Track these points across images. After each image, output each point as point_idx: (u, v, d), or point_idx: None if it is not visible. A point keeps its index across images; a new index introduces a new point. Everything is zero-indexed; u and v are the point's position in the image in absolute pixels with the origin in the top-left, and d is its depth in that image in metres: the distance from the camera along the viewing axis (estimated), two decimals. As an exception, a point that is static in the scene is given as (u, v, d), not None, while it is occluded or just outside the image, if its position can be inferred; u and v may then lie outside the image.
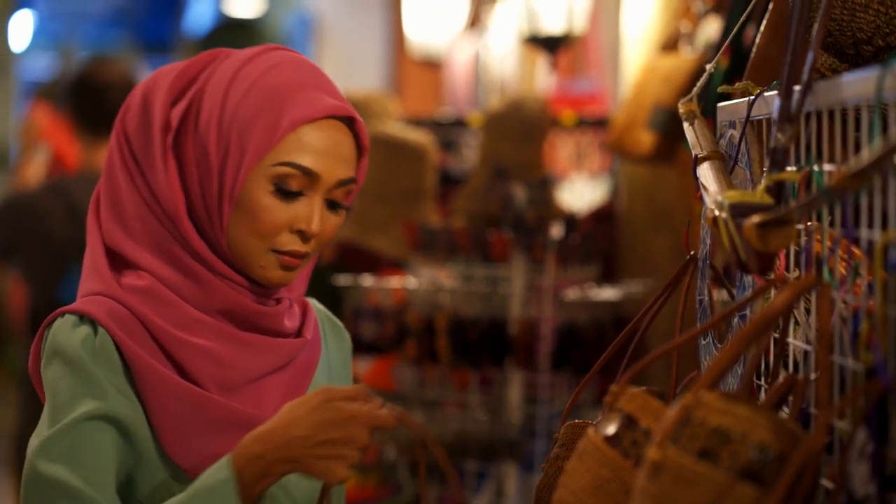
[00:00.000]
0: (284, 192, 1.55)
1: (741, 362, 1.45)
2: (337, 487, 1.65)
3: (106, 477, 1.49)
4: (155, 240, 1.58)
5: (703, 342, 1.63)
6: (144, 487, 1.54)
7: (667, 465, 1.16)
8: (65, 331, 1.54)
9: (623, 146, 3.45)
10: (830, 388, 1.25)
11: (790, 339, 1.41)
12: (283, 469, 1.44)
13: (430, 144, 4.00)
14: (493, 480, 3.60)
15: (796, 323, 1.40)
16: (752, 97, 1.49)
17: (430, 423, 3.54)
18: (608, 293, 3.63)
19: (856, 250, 1.28)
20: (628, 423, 1.31)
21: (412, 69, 8.52)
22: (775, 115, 1.33)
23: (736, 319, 1.52)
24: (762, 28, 1.94)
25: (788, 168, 1.34)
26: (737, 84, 1.55)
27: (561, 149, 4.76)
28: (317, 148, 1.56)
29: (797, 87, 1.32)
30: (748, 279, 1.51)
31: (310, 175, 1.55)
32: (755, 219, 1.21)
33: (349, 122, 1.60)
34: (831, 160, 1.31)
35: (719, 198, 1.31)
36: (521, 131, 3.94)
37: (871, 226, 1.22)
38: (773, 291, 1.41)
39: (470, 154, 4.70)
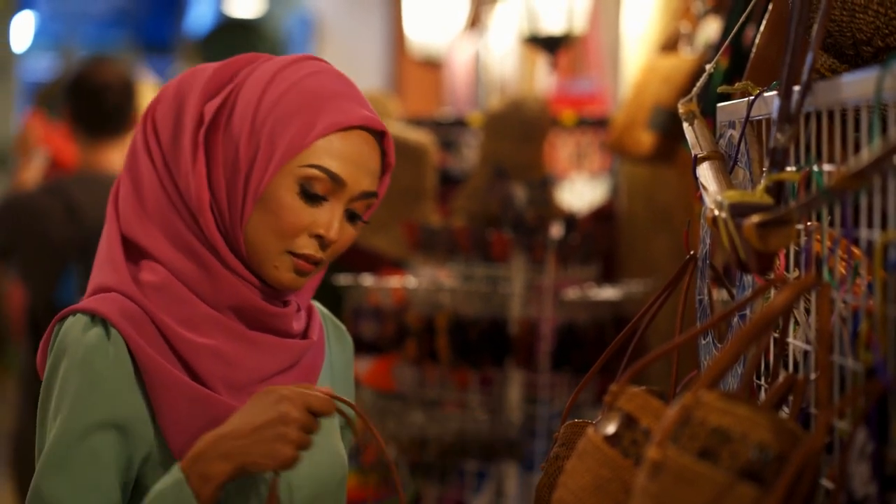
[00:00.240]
0: (309, 195, 1.56)
1: (741, 362, 1.46)
2: (337, 488, 1.65)
3: (111, 495, 1.50)
4: (172, 231, 1.58)
5: (703, 342, 1.63)
6: (152, 487, 1.54)
7: (667, 464, 1.16)
8: (76, 331, 1.54)
9: (623, 146, 3.45)
10: (830, 388, 1.25)
11: (790, 339, 1.41)
12: (223, 468, 1.46)
13: (430, 144, 4.00)
14: (493, 480, 3.60)
15: (796, 323, 1.41)
16: (752, 97, 1.49)
17: (431, 423, 3.54)
18: (608, 293, 3.63)
19: (855, 250, 1.28)
20: (628, 422, 1.31)
21: (412, 69, 8.52)
22: (775, 115, 1.33)
23: (736, 319, 1.52)
24: (762, 28, 1.94)
25: (788, 168, 1.34)
26: (736, 84, 1.55)
27: (561, 149, 4.76)
28: (346, 156, 1.57)
29: (797, 88, 1.32)
30: (748, 279, 1.51)
31: (336, 181, 1.56)
32: (755, 219, 1.21)
33: (379, 136, 1.62)
34: (831, 160, 1.32)
35: (719, 198, 1.31)
36: (521, 131, 3.94)
37: (870, 226, 1.22)
38: (772, 291, 1.42)
39: (470, 154, 4.70)
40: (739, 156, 1.52)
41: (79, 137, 3.71)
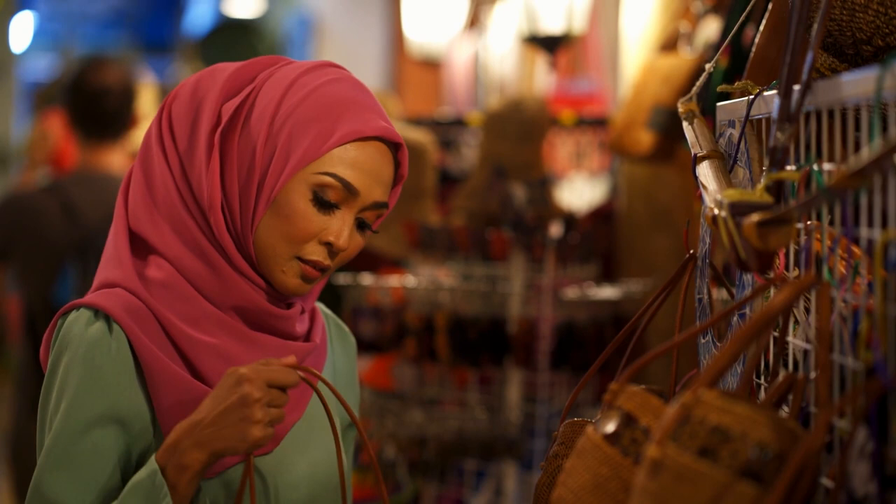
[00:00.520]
0: (321, 202, 1.56)
1: (741, 361, 1.46)
2: (335, 488, 1.65)
3: (112, 489, 1.50)
4: (182, 228, 1.58)
5: (703, 341, 1.63)
6: None
7: (666, 463, 1.16)
8: (78, 325, 1.54)
9: (622, 146, 3.45)
10: (830, 387, 1.25)
11: (790, 338, 1.41)
12: (198, 456, 1.46)
13: (429, 144, 3.99)
14: (492, 479, 3.60)
15: (796, 322, 1.41)
16: (752, 96, 1.49)
17: (430, 422, 3.54)
18: (607, 292, 3.63)
19: (855, 249, 1.28)
20: (628, 421, 1.31)
21: (412, 69, 8.52)
22: (775, 114, 1.33)
23: (735, 318, 1.52)
24: (761, 28, 1.94)
25: (788, 167, 1.34)
26: (736, 83, 1.55)
27: (560, 148, 4.76)
28: (362, 165, 1.57)
29: (797, 87, 1.32)
30: (748, 278, 1.51)
31: (350, 190, 1.57)
32: (755, 217, 1.21)
33: (395, 148, 1.62)
34: (831, 159, 1.32)
35: (719, 196, 1.31)
36: (520, 131, 3.94)
37: (870, 225, 1.23)
38: (772, 290, 1.42)
39: (469, 153, 4.70)
40: (739, 155, 1.52)
41: (78, 138, 3.71)
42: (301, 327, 1.66)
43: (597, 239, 3.70)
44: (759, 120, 1.50)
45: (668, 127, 3.26)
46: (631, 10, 4.22)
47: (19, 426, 3.68)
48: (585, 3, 4.52)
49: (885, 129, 1.19)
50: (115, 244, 1.60)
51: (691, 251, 1.63)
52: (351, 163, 1.57)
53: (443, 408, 3.64)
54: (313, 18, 10.02)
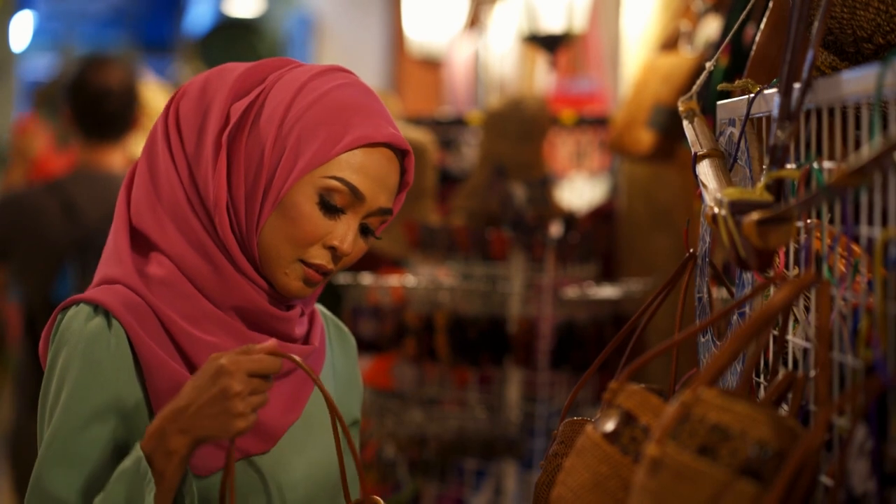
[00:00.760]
0: (327, 206, 1.57)
1: (740, 359, 1.45)
2: (333, 488, 1.65)
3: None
4: (185, 226, 1.58)
5: (703, 339, 1.63)
6: None
7: (666, 461, 1.16)
8: (78, 321, 1.54)
9: (623, 145, 3.45)
10: (830, 386, 1.25)
11: (789, 337, 1.41)
12: (182, 441, 1.45)
13: (429, 143, 3.99)
14: (492, 478, 3.60)
15: (796, 320, 1.40)
16: (752, 95, 1.49)
17: (430, 422, 3.54)
18: (607, 291, 3.64)
19: (855, 247, 1.28)
20: (627, 419, 1.31)
21: (412, 68, 8.52)
22: (775, 112, 1.33)
23: (735, 317, 1.52)
24: (762, 26, 1.94)
25: (788, 165, 1.34)
26: (737, 82, 1.55)
27: (561, 148, 4.76)
28: (368, 171, 1.57)
29: (797, 85, 1.32)
30: (747, 276, 1.51)
31: (356, 195, 1.57)
32: (755, 216, 1.21)
33: (402, 155, 1.62)
34: (831, 157, 1.31)
35: (719, 195, 1.31)
36: (520, 130, 3.94)
37: (870, 223, 1.22)
38: (772, 289, 1.42)
39: (469, 153, 4.70)
40: (739, 153, 1.52)
41: (78, 137, 3.72)
42: (300, 329, 1.66)
43: (597, 238, 3.71)
44: (760, 118, 1.50)
45: (668, 126, 3.26)
46: (631, 8, 4.22)
47: (20, 425, 3.68)
48: (586, 2, 4.52)
49: (885, 127, 1.19)
50: (115, 241, 1.60)
51: (691, 250, 1.63)
52: (358, 168, 1.57)
53: (443, 407, 3.64)
54: (313, 18, 10.02)
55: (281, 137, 1.56)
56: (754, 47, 1.98)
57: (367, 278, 3.70)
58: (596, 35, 5.03)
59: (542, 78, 5.99)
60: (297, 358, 1.52)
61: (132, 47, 12.37)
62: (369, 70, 8.70)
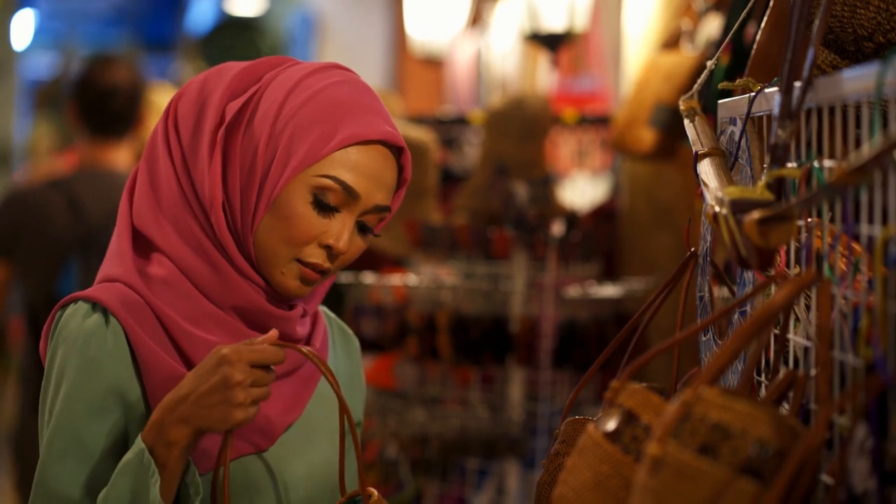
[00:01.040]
0: (321, 205, 1.56)
1: (741, 358, 1.46)
2: (334, 489, 1.65)
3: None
4: (184, 226, 1.58)
5: (704, 338, 1.63)
6: None
7: (667, 460, 1.16)
8: (76, 318, 1.54)
9: (624, 144, 3.45)
10: (830, 384, 1.25)
11: (790, 336, 1.41)
12: (183, 432, 1.45)
13: (431, 142, 4.00)
14: (494, 477, 3.60)
15: (796, 319, 1.40)
16: (753, 94, 1.49)
17: (432, 421, 3.54)
18: (609, 290, 3.64)
19: (856, 246, 1.28)
20: (629, 418, 1.31)
21: (414, 67, 8.52)
22: (776, 111, 1.33)
23: (736, 316, 1.52)
24: (763, 25, 1.94)
25: (789, 164, 1.34)
26: (737, 81, 1.55)
27: (562, 146, 4.76)
28: (363, 169, 1.57)
29: (798, 84, 1.32)
30: (748, 275, 1.51)
31: (350, 193, 1.56)
32: (755, 215, 1.21)
33: (397, 152, 1.62)
34: (831, 156, 1.32)
35: (720, 194, 1.31)
36: (522, 129, 3.94)
37: (871, 221, 1.22)
38: (773, 288, 1.42)
39: (471, 152, 4.70)
40: (740, 152, 1.52)
41: (84, 135, 3.74)
42: (302, 330, 1.66)
43: (598, 237, 3.71)
44: (761, 117, 1.50)
45: (669, 125, 3.26)
46: (633, 7, 4.22)
47: (23, 422, 3.69)
48: (587, 1, 4.52)
49: (885, 125, 1.19)
50: (118, 242, 1.61)
51: (692, 249, 1.63)
52: (352, 166, 1.56)
53: (445, 406, 3.64)
54: (315, 16, 10.02)
55: (274, 136, 1.56)
56: (755, 46, 1.98)
57: (369, 277, 3.70)
58: (597, 34, 5.03)
59: (544, 77, 5.99)
60: (303, 348, 1.53)
61: (134, 46, 12.38)
62: (371, 69, 8.70)
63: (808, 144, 1.36)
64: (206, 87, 1.61)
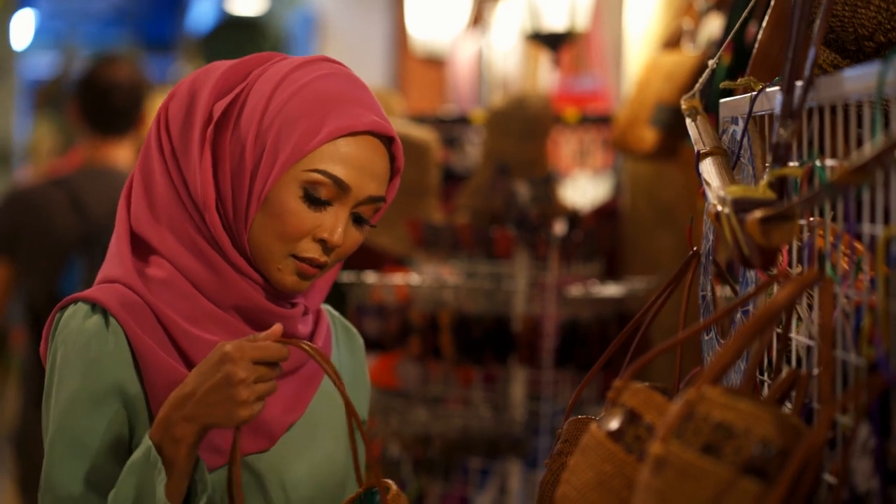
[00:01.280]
0: (312, 199, 1.55)
1: (744, 358, 1.46)
2: (335, 488, 1.65)
3: (116, 477, 1.50)
4: (179, 228, 1.58)
5: (706, 338, 1.63)
6: None
7: (670, 459, 1.16)
8: (76, 319, 1.54)
9: (626, 143, 3.45)
10: (833, 384, 1.25)
11: (793, 335, 1.41)
12: (189, 429, 1.45)
13: (433, 141, 4.00)
14: (496, 477, 3.60)
15: (799, 318, 1.41)
16: (755, 93, 1.49)
17: (434, 420, 3.54)
18: (611, 290, 3.64)
19: (858, 245, 1.28)
20: (631, 418, 1.31)
21: (415, 66, 8.52)
22: (777, 110, 1.33)
23: (739, 315, 1.52)
24: (764, 24, 1.94)
25: (790, 163, 1.34)
26: (739, 80, 1.55)
27: (564, 146, 4.76)
28: (352, 161, 1.56)
29: (799, 83, 1.32)
30: (751, 275, 1.51)
31: (341, 186, 1.56)
32: (758, 214, 1.21)
33: (388, 141, 1.61)
34: (833, 155, 1.32)
35: (722, 193, 1.31)
36: (524, 128, 3.94)
37: (873, 221, 1.23)
38: (775, 287, 1.42)
39: (473, 151, 4.70)
40: (742, 151, 1.53)
41: (86, 133, 3.76)
42: (304, 328, 1.66)
43: (600, 237, 3.71)
44: (762, 116, 1.50)
45: (671, 124, 3.26)
46: (634, 7, 4.22)
47: (25, 420, 3.70)
48: (588, 0, 4.52)
49: (886, 124, 1.20)
50: (116, 245, 1.61)
51: (695, 248, 1.63)
52: (340, 159, 1.55)
53: (447, 406, 3.64)
54: (316, 16, 10.02)
55: (261, 133, 1.55)
56: (756, 45, 1.98)
57: (371, 277, 3.70)
58: (599, 33, 5.03)
59: (546, 76, 5.99)
60: (306, 344, 1.52)
61: (134, 46, 12.38)
62: (372, 68, 8.70)
63: (810, 144, 1.36)
64: (194, 87, 1.61)
